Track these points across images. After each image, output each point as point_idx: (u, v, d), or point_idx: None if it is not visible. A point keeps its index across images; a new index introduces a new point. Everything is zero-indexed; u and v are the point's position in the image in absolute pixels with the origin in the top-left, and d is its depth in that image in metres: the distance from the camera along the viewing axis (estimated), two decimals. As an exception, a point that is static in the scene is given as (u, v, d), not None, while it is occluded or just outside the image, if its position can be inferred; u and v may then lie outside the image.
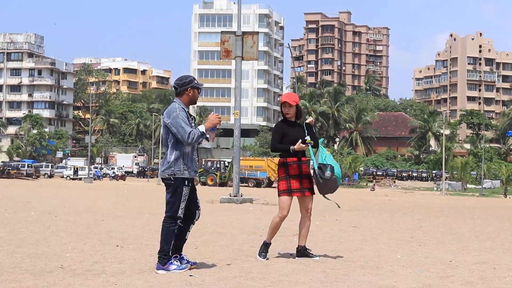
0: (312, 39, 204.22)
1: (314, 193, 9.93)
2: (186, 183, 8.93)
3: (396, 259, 10.24)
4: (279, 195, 9.88)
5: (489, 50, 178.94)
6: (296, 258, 9.85)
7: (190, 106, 9.38)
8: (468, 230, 16.67)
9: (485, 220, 21.35)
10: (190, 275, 8.21)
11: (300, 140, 9.58)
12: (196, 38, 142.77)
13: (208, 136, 9.01)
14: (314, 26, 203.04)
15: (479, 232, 16.18)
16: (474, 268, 9.44)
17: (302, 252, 9.98)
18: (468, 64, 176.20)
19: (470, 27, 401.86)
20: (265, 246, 9.87)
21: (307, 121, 9.93)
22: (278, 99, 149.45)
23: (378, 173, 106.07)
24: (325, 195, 10.07)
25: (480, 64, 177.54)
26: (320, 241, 12.52)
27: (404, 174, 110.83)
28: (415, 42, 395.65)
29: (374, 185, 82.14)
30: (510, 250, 12.11)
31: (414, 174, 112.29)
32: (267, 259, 9.68)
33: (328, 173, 9.72)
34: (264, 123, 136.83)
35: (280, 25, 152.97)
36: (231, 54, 30.15)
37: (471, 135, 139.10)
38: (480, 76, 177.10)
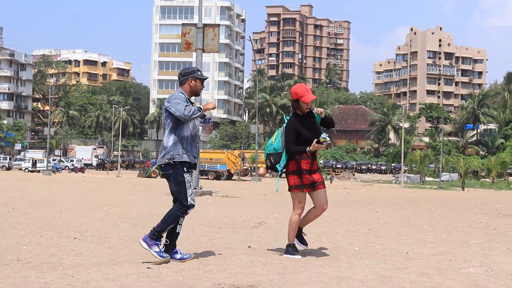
0: (273, 32, 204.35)
1: (325, 187, 9.64)
2: (186, 170, 8.87)
3: (353, 251, 10.30)
4: (290, 190, 9.53)
5: (449, 44, 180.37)
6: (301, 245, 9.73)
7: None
8: (425, 222, 16.81)
9: (442, 212, 21.54)
10: (148, 267, 8.20)
11: (315, 140, 9.20)
12: (157, 30, 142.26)
13: (205, 124, 9.08)
14: (275, 19, 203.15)
15: (436, 224, 16.33)
16: (430, 260, 9.53)
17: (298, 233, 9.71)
18: (428, 58, 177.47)
19: (430, 22, 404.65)
20: (293, 248, 9.55)
21: (317, 113, 9.56)
22: (239, 91, 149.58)
23: (337, 166, 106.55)
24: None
25: (439, 58, 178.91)
26: (279, 233, 12.54)
27: (364, 167, 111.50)
28: (376, 35, 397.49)
29: (332, 176, 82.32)
30: (466, 242, 12.23)
31: (373, 167, 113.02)
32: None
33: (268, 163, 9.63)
34: (224, 116, 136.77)
35: (241, 17, 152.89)
36: (192, 47, 30.08)
37: (430, 128, 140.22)
38: (439, 70, 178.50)
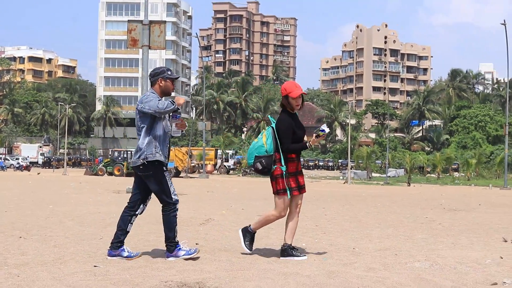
0: (220, 29, 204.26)
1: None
2: (164, 169, 9.00)
3: (301, 247, 10.35)
4: (277, 194, 9.32)
5: (394, 41, 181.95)
6: (281, 258, 9.16)
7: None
8: (371, 218, 16.96)
9: (388, 208, 21.74)
10: (95, 266, 8.16)
11: (314, 134, 9.15)
12: (103, 26, 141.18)
13: (174, 119, 8.99)
14: (222, 15, 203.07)
15: (382, 219, 16.49)
16: (376, 255, 9.64)
17: (288, 251, 9.25)
18: (374, 55, 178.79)
19: (375, 19, 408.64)
20: (250, 234, 9.58)
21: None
22: (186, 88, 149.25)
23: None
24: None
25: (385, 55, 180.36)
26: (226, 230, 12.56)
27: (311, 163, 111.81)
28: (322, 32, 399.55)
29: None
30: (412, 237, 12.38)
31: (321, 163, 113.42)
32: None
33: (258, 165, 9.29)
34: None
35: (188, 14, 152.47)
36: (138, 43, 29.89)
37: (376, 124, 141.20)
38: (385, 67, 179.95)
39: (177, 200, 9.11)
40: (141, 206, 9.24)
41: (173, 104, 8.73)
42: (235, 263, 8.54)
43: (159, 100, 8.76)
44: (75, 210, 17.03)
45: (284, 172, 9.14)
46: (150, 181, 9.02)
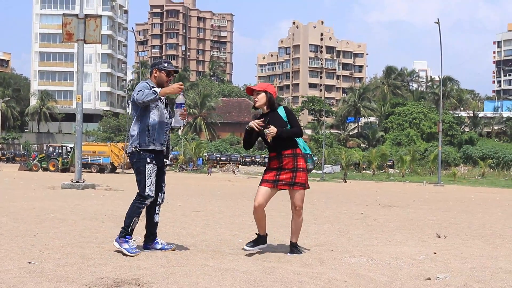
0: (156, 24, 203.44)
1: (304, 188, 9.42)
2: (149, 161, 8.94)
3: (237, 243, 10.37)
4: (307, 188, 9.46)
5: (330, 38, 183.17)
6: (288, 254, 9.31)
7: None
8: (307, 213, 17.03)
9: (324, 204, 21.92)
10: (29, 262, 8.06)
11: (256, 121, 9.11)
12: (38, 20, 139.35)
13: (176, 109, 8.96)
14: (158, 10, 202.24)
15: (318, 215, 16.61)
16: (312, 251, 9.70)
17: (291, 248, 9.47)
18: (310, 51, 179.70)
19: (312, 15, 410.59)
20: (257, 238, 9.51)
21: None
22: (122, 83, 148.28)
23: (222, 158, 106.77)
24: None
25: (321, 52, 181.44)
26: (163, 226, 12.52)
27: (248, 160, 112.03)
28: (259, 28, 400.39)
29: (209, 171, 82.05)
30: (347, 233, 12.49)
31: (258, 160, 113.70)
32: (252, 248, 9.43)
33: (311, 165, 9.48)
34: (107, 108, 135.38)
35: (124, 8, 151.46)
36: (74, 37, 29.62)
37: (312, 121, 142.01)
38: (321, 64, 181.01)
39: (149, 196, 8.99)
40: (159, 194, 9.27)
41: (155, 94, 8.71)
42: (171, 259, 8.52)
43: (140, 90, 8.77)
44: (9, 206, 16.79)
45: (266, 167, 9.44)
46: (133, 168, 9.13)
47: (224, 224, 13.61)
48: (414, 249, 10.23)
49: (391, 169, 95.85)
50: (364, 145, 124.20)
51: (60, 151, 73.99)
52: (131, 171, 72.85)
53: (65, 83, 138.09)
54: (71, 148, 72.56)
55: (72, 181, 29.20)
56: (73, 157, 62.45)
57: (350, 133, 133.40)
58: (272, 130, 8.95)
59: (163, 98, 9.08)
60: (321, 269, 8.12)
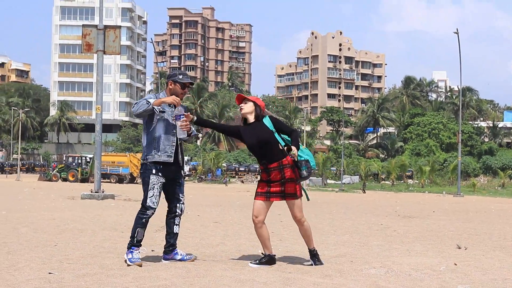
0: (175, 34, 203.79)
1: (296, 198, 9.40)
2: (154, 172, 9.02)
3: (257, 254, 10.35)
4: (299, 198, 9.48)
5: (349, 48, 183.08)
6: (310, 264, 9.35)
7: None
8: (327, 224, 17.02)
9: (344, 214, 21.85)
10: (49, 272, 8.07)
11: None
12: (57, 31, 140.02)
13: (177, 120, 8.93)
14: (177, 21, 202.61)
15: (338, 226, 16.56)
16: (332, 262, 9.67)
17: (311, 256, 9.46)
18: (329, 62, 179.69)
19: (330, 26, 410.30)
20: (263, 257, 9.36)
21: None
22: (141, 94, 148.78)
23: (240, 168, 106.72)
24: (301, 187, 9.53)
25: (340, 62, 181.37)
26: (183, 237, 12.51)
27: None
28: (277, 39, 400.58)
29: (225, 181, 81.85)
30: (367, 244, 12.44)
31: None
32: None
33: (306, 173, 9.24)
34: (126, 118, 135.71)
35: (143, 19, 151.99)
36: (93, 48, 29.76)
37: (331, 131, 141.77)
38: (340, 74, 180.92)
39: (150, 207, 9.11)
40: (178, 205, 9.44)
41: (148, 105, 8.85)
42: (191, 269, 8.51)
43: (136, 103, 8.89)
44: (29, 216, 16.85)
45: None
46: (141, 179, 9.23)
47: (244, 234, 13.60)
48: (435, 260, 10.17)
49: (410, 180, 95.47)
50: (383, 156, 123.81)
51: (79, 161, 74.24)
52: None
53: (85, 94, 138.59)
54: (90, 158, 72.78)
55: (91, 192, 29.30)
56: (92, 167, 62.59)
57: (369, 143, 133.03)
58: (294, 151, 9.05)
59: (168, 109, 9.06)
60: (341, 280, 8.09)
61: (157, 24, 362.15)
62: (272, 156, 9.10)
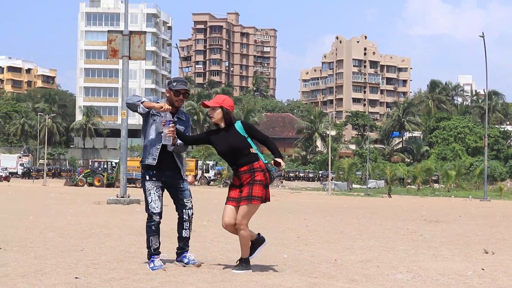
0: (200, 40, 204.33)
1: (261, 201, 9.01)
2: (148, 178, 9.09)
3: (282, 258, 10.33)
4: (261, 202, 9.10)
5: (374, 53, 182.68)
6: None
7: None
8: (353, 229, 16.96)
9: (369, 219, 21.77)
10: (76, 277, 8.09)
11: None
12: (83, 36, 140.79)
13: (164, 126, 8.92)
14: (202, 26, 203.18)
15: (364, 231, 16.50)
16: (358, 267, 9.62)
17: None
18: (354, 66, 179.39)
19: (355, 30, 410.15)
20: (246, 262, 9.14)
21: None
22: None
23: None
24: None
25: (365, 66, 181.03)
26: (208, 242, 12.51)
27: (291, 175, 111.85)
28: (302, 44, 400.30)
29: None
30: (393, 249, 12.39)
31: (301, 175, 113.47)
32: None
33: (275, 173, 9.29)
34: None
35: (168, 25, 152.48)
36: (118, 54, 29.87)
37: (356, 136, 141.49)
38: (365, 78, 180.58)
39: (153, 213, 9.08)
40: (184, 211, 9.36)
41: (138, 101, 9.08)
42: (217, 275, 8.50)
43: (133, 94, 9.09)
44: (56, 221, 16.93)
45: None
46: None
47: (269, 239, 13.53)
48: (461, 265, 10.11)
49: (436, 184, 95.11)
50: (408, 160, 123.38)
51: (105, 166, 74.55)
52: (175, 186, 73.27)
53: (110, 99, 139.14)
54: (116, 163, 73.04)
55: (117, 196, 29.37)
56: (118, 172, 62.81)
57: (395, 147, 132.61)
58: (283, 164, 8.90)
59: (167, 114, 9.01)
60: (368, 285, 8.05)
61: (182, 30, 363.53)
62: (242, 161, 8.95)
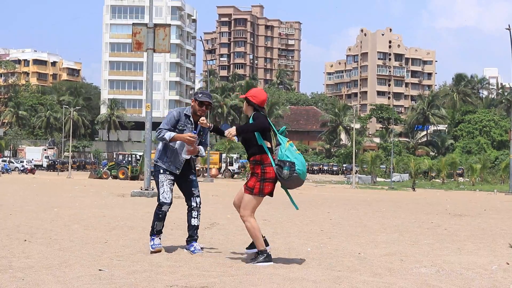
0: (224, 33, 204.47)
1: (250, 193, 9.12)
2: (162, 171, 9.85)
3: (306, 251, 10.32)
4: (260, 196, 9.26)
5: (398, 45, 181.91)
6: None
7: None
8: (376, 222, 16.92)
9: (393, 213, 21.70)
10: (100, 269, 8.13)
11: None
12: (108, 29, 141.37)
13: (187, 148, 9.76)
14: (226, 19, 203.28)
15: (388, 224, 16.44)
16: (382, 260, 9.59)
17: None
18: (378, 59, 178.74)
19: (379, 23, 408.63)
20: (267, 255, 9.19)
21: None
22: (191, 92, 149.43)
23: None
24: (287, 191, 9.49)
25: (389, 59, 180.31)
26: (231, 234, 12.53)
27: (315, 168, 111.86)
28: (327, 36, 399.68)
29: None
30: (417, 242, 12.34)
31: (325, 168, 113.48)
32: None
33: (285, 172, 8.95)
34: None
35: (192, 17, 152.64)
36: (143, 47, 29.92)
37: (380, 129, 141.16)
38: (389, 71, 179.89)
39: (164, 203, 9.76)
40: (192, 199, 10.08)
41: (166, 139, 9.71)
42: (240, 268, 8.50)
43: (160, 129, 9.79)
44: (80, 214, 17.01)
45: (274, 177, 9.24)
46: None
47: (293, 232, 13.56)
48: (486, 259, 10.05)
49: (461, 178, 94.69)
50: (433, 153, 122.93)
51: (129, 159, 74.73)
52: (200, 179, 73.35)
53: (135, 92, 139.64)
54: (140, 156, 73.24)
55: (141, 189, 29.47)
56: (142, 165, 63.02)
57: (419, 141, 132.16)
58: (229, 131, 9.09)
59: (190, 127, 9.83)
60: (391, 279, 8.02)
61: (206, 22, 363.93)
62: (249, 152, 9.22)
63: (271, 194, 9.22)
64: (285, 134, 9.43)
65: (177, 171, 9.85)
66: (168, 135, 9.66)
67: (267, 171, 9.04)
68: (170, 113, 9.95)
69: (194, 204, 10.01)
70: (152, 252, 9.63)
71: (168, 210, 9.86)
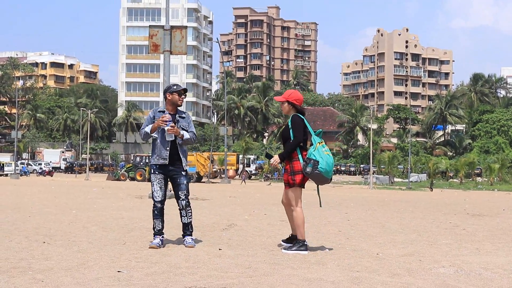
0: (241, 34, 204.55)
1: (289, 186, 10.34)
2: (152, 171, 10.92)
3: (324, 252, 10.31)
4: (300, 187, 10.37)
5: (415, 45, 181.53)
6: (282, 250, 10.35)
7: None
8: (394, 223, 16.88)
9: (411, 213, 21.64)
10: (118, 271, 8.16)
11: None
12: (124, 32, 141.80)
13: (166, 128, 10.60)
14: (243, 20, 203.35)
15: (406, 225, 16.40)
16: (400, 261, 9.58)
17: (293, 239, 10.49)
18: (395, 59, 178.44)
19: (396, 23, 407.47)
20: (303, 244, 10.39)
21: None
22: (207, 93, 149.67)
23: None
24: (317, 188, 10.81)
25: (406, 59, 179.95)
26: (249, 236, 12.53)
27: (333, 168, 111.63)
28: (343, 37, 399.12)
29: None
30: (436, 242, 12.30)
31: (343, 168, 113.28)
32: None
33: (308, 169, 10.01)
34: (193, 118, 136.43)
35: (209, 19, 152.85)
36: (160, 49, 29.96)
37: (398, 129, 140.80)
38: (406, 71, 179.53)
39: (155, 201, 11.03)
40: (178, 202, 11.06)
41: (146, 134, 10.84)
42: (258, 268, 8.51)
43: (142, 128, 10.87)
44: (98, 215, 17.07)
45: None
46: None
47: (310, 233, 13.53)
48: (505, 259, 10.02)
49: (479, 178, 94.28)
50: (451, 153, 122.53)
51: (147, 161, 74.92)
52: (217, 180, 73.44)
53: (151, 94, 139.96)
54: (157, 158, 73.30)
55: (159, 191, 29.47)
56: (159, 166, 63.14)
57: (437, 141, 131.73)
58: (273, 160, 10.47)
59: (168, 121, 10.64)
60: (410, 279, 8.01)
61: (222, 24, 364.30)
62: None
63: (302, 185, 10.30)
64: (321, 136, 10.50)
65: (166, 161, 10.75)
66: (148, 128, 10.71)
67: (294, 165, 10.17)
68: (149, 114, 10.97)
69: (180, 206, 11.04)
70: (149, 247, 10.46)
71: (161, 208, 10.95)
